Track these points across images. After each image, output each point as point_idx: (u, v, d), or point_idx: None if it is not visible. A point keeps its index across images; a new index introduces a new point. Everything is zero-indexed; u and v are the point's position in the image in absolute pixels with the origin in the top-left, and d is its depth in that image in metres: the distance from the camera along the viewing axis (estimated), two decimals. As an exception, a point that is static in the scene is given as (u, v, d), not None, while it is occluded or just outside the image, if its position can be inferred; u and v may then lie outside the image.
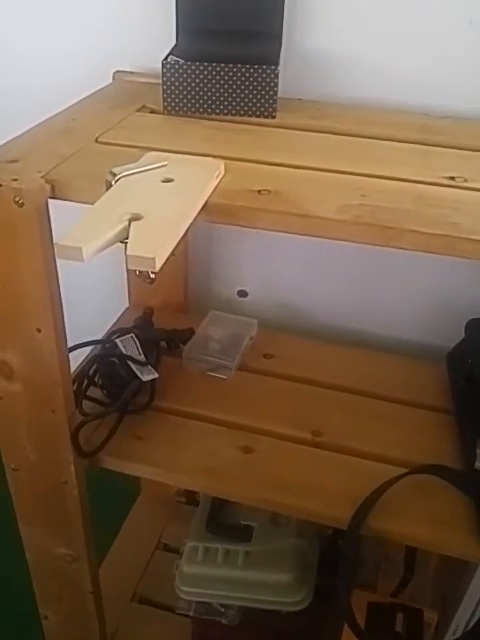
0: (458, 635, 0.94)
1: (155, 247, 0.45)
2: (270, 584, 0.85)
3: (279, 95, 0.72)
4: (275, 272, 0.98)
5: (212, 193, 0.55)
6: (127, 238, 0.47)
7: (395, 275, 0.92)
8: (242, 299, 1.02)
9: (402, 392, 0.84)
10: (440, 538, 0.67)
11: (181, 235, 0.49)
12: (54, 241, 0.50)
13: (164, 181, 0.55)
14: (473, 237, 0.50)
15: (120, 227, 0.48)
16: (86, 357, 0.82)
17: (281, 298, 1.00)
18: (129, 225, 0.48)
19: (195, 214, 0.52)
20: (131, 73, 0.83)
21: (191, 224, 0.51)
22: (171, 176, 0.55)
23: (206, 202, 0.53)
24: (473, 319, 0.84)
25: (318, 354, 0.91)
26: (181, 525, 1.00)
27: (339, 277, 0.95)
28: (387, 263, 0.91)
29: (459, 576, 0.89)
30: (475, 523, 0.67)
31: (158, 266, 0.44)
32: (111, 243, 0.47)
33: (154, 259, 0.44)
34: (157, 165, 0.57)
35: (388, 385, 0.85)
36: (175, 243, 0.47)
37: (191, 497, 1.17)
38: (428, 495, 0.70)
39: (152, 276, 0.48)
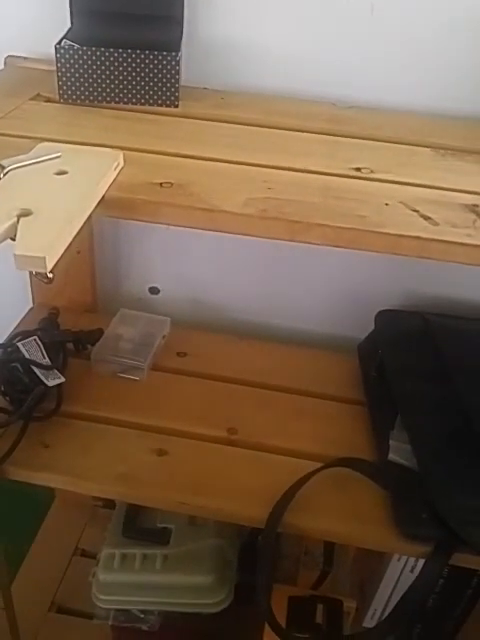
0: (376, 620, 0.97)
1: (45, 245, 0.41)
2: (190, 587, 0.83)
3: (182, 84, 0.69)
4: (187, 268, 0.95)
5: (110, 186, 0.52)
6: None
7: (305, 268, 0.91)
8: (154, 296, 0.98)
9: (316, 385, 0.84)
10: (356, 532, 0.66)
11: (75, 232, 0.45)
12: None
13: (57, 174, 0.51)
14: (379, 230, 0.50)
15: (7, 224, 0.44)
16: (-15, 363, 0.76)
17: (194, 294, 0.97)
18: (18, 222, 0.44)
19: (91, 208, 0.48)
20: (25, 59, 0.78)
21: (88, 219, 0.48)
22: (65, 168, 0.52)
23: (104, 196, 0.50)
24: (382, 310, 0.85)
25: (232, 350, 0.90)
26: (99, 530, 0.96)
27: (251, 271, 0.93)
28: (297, 256, 0.90)
29: (376, 564, 0.91)
30: (390, 514, 0.67)
31: (49, 266, 0.41)
32: (-3, 242, 0.43)
33: (44, 258, 0.40)
34: (50, 156, 0.53)
35: (302, 379, 0.85)
36: (69, 240, 0.44)
37: (109, 501, 1.12)
38: (343, 489, 0.69)
39: (50, 276, 0.44)
